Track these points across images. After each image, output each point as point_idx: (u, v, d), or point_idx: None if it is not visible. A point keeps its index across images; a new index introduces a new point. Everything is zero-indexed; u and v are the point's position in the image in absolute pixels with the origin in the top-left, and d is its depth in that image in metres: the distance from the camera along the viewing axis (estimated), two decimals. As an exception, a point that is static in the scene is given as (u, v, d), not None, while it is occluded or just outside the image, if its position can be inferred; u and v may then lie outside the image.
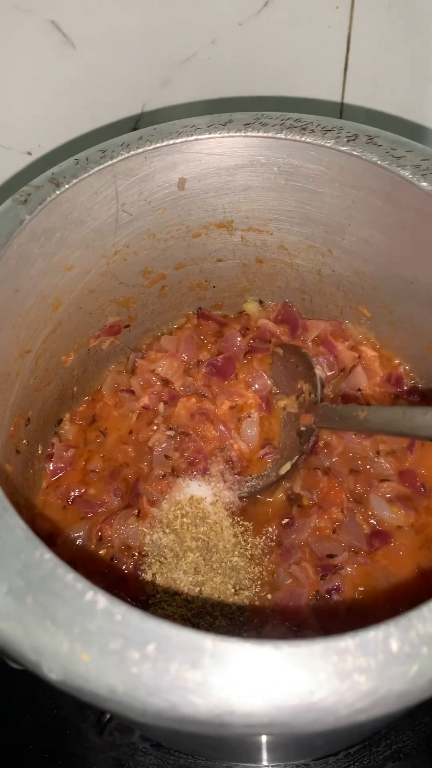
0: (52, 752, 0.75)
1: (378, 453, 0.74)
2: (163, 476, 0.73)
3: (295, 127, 0.61)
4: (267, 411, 0.80)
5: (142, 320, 0.81)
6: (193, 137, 0.62)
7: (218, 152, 0.65)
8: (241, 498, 0.73)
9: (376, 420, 0.59)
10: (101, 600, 0.39)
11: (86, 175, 0.60)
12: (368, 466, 0.73)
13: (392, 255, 0.68)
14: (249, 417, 0.79)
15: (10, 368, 0.63)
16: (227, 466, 0.75)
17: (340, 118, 0.88)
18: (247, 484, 0.75)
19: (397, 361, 0.80)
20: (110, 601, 0.39)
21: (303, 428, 0.73)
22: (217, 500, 0.72)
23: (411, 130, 0.90)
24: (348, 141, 0.60)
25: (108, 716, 0.74)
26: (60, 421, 0.78)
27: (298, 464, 0.73)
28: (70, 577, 0.40)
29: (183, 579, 0.67)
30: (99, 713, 0.75)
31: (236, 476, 0.75)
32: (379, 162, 0.59)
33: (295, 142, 0.61)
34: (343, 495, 0.71)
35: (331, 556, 0.67)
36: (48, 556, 0.41)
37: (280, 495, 0.74)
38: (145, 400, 0.78)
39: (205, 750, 0.71)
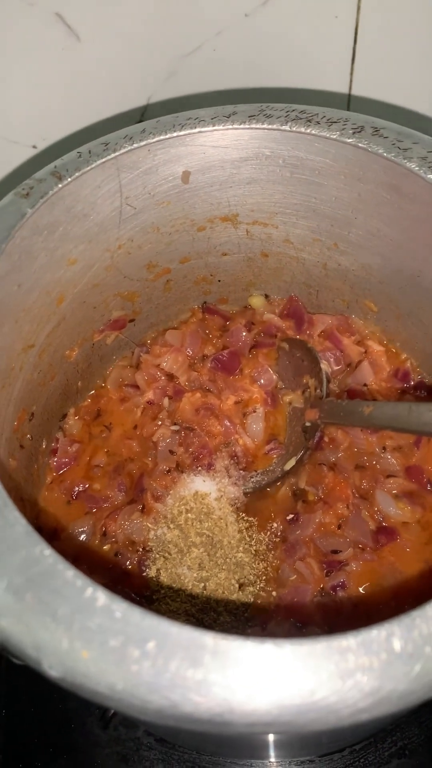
0: (57, 746, 0.75)
1: (384, 449, 0.73)
2: (168, 471, 0.73)
3: (300, 119, 0.61)
4: (272, 406, 0.79)
5: (146, 315, 0.81)
6: (197, 129, 0.62)
7: (223, 145, 0.64)
8: (245, 493, 0.73)
9: (382, 416, 0.58)
10: (101, 597, 0.39)
11: (89, 168, 0.59)
12: (374, 462, 0.73)
13: (399, 248, 0.67)
14: (254, 412, 0.78)
15: (13, 363, 0.63)
16: (232, 461, 0.75)
17: (348, 109, 0.88)
18: (252, 479, 0.74)
19: (404, 356, 0.79)
20: (110, 598, 0.38)
21: (308, 424, 0.73)
22: (221, 496, 0.72)
23: (420, 121, 0.89)
24: (353, 133, 0.59)
25: (112, 711, 0.74)
26: (64, 416, 0.78)
27: (303, 460, 0.72)
28: (70, 573, 0.40)
29: (187, 574, 0.66)
30: (104, 708, 0.75)
31: (241, 472, 0.74)
32: (384, 154, 0.58)
33: (300, 134, 0.61)
34: (349, 491, 0.70)
35: (336, 552, 0.67)
36: (48, 552, 0.40)
37: (285, 490, 0.73)
38: (149, 395, 0.78)
39: (209, 746, 0.71)
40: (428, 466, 0.72)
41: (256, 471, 0.75)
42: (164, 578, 0.67)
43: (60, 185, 0.58)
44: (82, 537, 0.70)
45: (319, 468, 0.73)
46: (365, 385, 0.78)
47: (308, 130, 0.60)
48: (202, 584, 0.66)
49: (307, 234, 0.74)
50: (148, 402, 0.78)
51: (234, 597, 0.66)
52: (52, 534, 0.71)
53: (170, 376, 0.80)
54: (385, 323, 0.78)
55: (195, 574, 0.66)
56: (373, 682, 0.36)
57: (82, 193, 0.62)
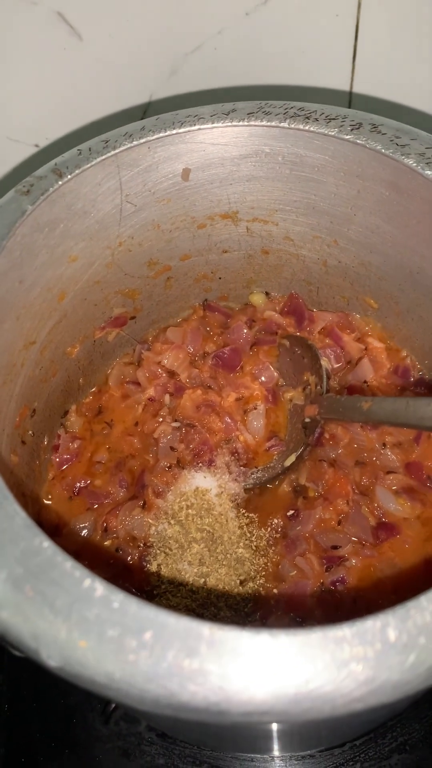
0: (58, 741, 0.76)
1: (384, 445, 0.73)
2: (169, 468, 0.73)
3: (299, 116, 0.61)
4: (273, 403, 0.79)
5: (147, 312, 0.81)
6: (196, 127, 0.62)
7: (222, 142, 0.65)
8: (246, 490, 0.73)
9: (380, 411, 0.58)
10: (99, 587, 0.39)
11: (89, 165, 0.60)
12: (374, 458, 0.73)
13: (398, 245, 0.67)
14: (255, 409, 0.78)
15: (14, 359, 0.63)
16: (233, 457, 0.75)
17: (350, 107, 0.88)
18: (253, 475, 0.74)
19: (404, 353, 0.79)
20: (108, 589, 0.39)
21: (308, 420, 0.73)
22: (222, 492, 0.72)
23: (422, 119, 0.89)
24: (352, 129, 0.60)
25: (113, 705, 0.75)
26: (66, 412, 0.78)
27: (303, 456, 0.73)
28: (68, 564, 0.40)
29: (188, 570, 0.67)
30: (104, 702, 0.75)
31: (242, 468, 0.75)
32: (383, 150, 0.58)
33: (298, 131, 0.61)
34: (349, 487, 0.70)
35: (336, 548, 0.67)
36: (47, 543, 0.41)
37: (286, 487, 0.73)
38: (151, 391, 0.78)
39: (210, 740, 0.71)
40: (428, 463, 0.72)
41: (256, 467, 0.75)
42: (165, 574, 0.67)
43: (60, 182, 0.59)
44: (84, 533, 0.71)
45: (320, 464, 0.73)
46: (365, 382, 0.78)
47: (307, 127, 0.60)
48: (203, 580, 0.66)
49: (307, 231, 0.74)
50: (149, 399, 0.78)
51: (234, 592, 0.66)
52: (54, 530, 0.71)
53: (171, 373, 0.80)
54: (385, 320, 0.79)
55: (195, 570, 0.67)
56: (367, 671, 0.36)
57: (83, 190, 0.62)
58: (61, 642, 0.38)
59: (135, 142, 0.61)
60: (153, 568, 0.67)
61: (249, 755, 0.74)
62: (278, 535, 0.70)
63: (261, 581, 0.67)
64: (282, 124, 0.61)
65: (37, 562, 0.40)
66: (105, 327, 0.78)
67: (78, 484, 0.74)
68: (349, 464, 0.73)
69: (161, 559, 0.68)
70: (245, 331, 0.82)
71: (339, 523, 0.69)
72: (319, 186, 0.68)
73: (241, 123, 0.62)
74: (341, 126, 0.60)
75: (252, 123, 0.62)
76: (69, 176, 0.59)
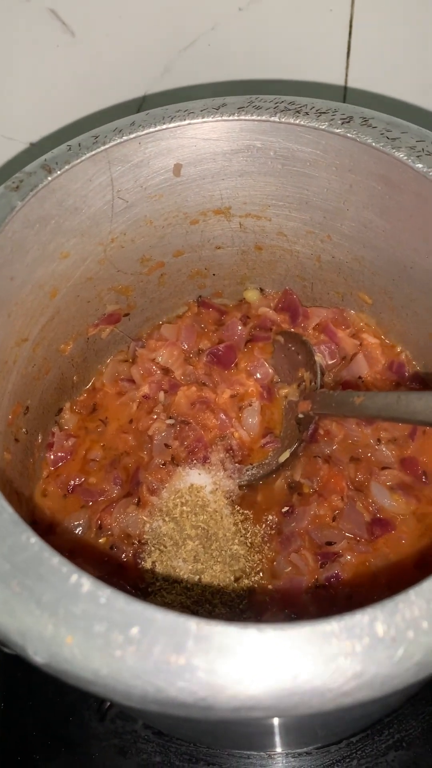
0: (54, 739, 0.76)
1: (379, 441, 0.73)
2: (163, 465, 0.73)
3: (289, 110, 0.61)
4: (268, 400, 0.79)
5: (141, 309, 0.81)
6: (187, 122, 0.62)
7: (213, 137, 0.64)
8: (241, 486, 0.73)
9: (372, 405, 0.58)
10: (86, 583, 0.39)
11: (79, 161, 0.60)
12: (369, 454, 0.73)
13: (391, 239, 0.67)
14: (250, 406, 0.78)
15: (6, 356, 0.63)
16: (227, 454, 0.75)
17: (344, 101, 0.88)
18: (247, 472, 0.74)
19: (398, 348, 0.79)
20: (95, 585, 0.39)
21: (301, 415, 0.73)
22: (217, 489, 0.72)
23: (416, 114, 0.88)
24: (342, 123, 0.59)
25: (108, 703, 0.74)
26: (60, 410, 0.78)
27: (298, 452, 0.72)
28: (55, 560, 0.40)
29: (182, 567, 0.67)
30: (100, 700, 0.75)
31: (236, 465, 0.74)
32: (373, 144, 0.58)
33: (289, 125, 0.61)
34: (344, 483, 0.70)
35: (330, 544, 0.67)
36: (34, 539, 0.41)
37: (281, 483, 0.73)
38: (145, 389, 0.78)
39: (206, 738, 0.71)
40: (423, 458, 0.72)
41: (251, 464, 0.75)
42: (160, 571, 0.67)
43: (50, 178, 0.59)
44: (78, 530, 0.71)
45: (314, 460, 0.72)
46: (360, 377, 0.78)
47: (297, 121, 0.60)
48: (198, 576, 0.66)
49: (300, 226, 0.73)
50: (143, 396, 0.78)
51: (229, 589, 0.66)
52: (48, 528, 0.71)
53: (166, 370, 0.80)
54: (379, 315, 0.78)
55: (190, 567, 0.67)
56: (356, 666, 0.36)
57: (73, 186, 0.62)
58: (48, 638, 0.38)
59: (125, 138, 0.61)
60: (148, 565, 0.67)
61: (245, 752, 0.74)
62: (273, 532, 0.70)
63: (256, 578, 0.67)
64: (272, 119, 0.61)
65: (24, 558, 0.40)
66: (98, 324, 0.78)
67: (72, 482, 0.74)
68: (344, 460, 0.72)
69: (156, 556, 0.67)
70: (240, 327, 0.81)
71: (334, 519, 0.69)
72: (312, 181, 0.67)
73: (231, 117, 0.62)
74: (332, 120, 0.60)
75: (242, 117, 0.62)
76: (59, 172, 0.59)
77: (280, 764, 0.73)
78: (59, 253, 0.65)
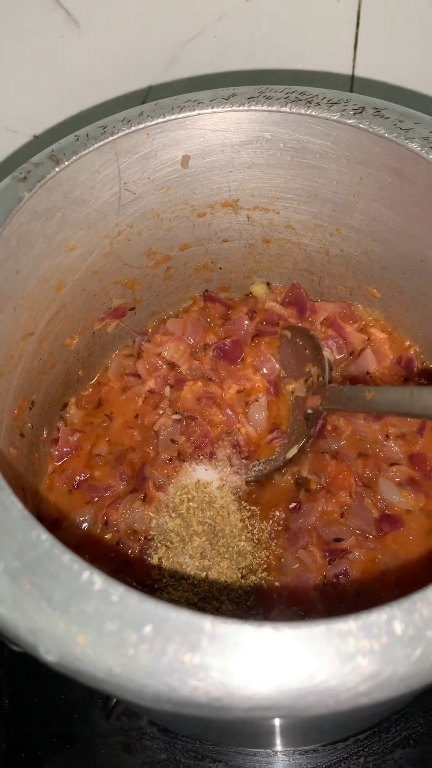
0: (59, 736, 0.75)
1: (387, 436, 0.72)
2: (170, 460, 0.73)
3: (300, 100, 0.60)
4: (275, 395, 0.78)
5: (147, 303, 0.80)
6: (196, 112, 0.61)
7: (222, 128, 0.63)
8: (247, 482, 0.72)
9: (384, 401, 0.57)
10: (98, 580, 0.38)
11: (86, 151, 0.59)
12: (377, 450, 0.72)
13: (401, 233, 0.66)
14: (256, 401, 0.77)
15: (12, 351, 0.62)
16: (234, 450, 0.74)
17: (351, 91, 0.87)
18: (254, 468, 0.74)
19: (407, 343, 0.78)
20: (107, 582, 0.38)
21: (310, 411, 0.72)
22: (223, 484, 0.71)
23: (424, 102, 0.87)
24: (354, 114, 0.58)
25: (115, 700, 0.74)
26: (65, 405, 0.78)
27: (305, 448, 0.72)
28: (66, 557, 0.39)
29: (189, 563, 0.66)
30: (106, 697, 0.75)
31: (243, 461, 0.74)
32: (386, 135, 0.57)
33: (300, 115, 0.60)
34: (352, 479, 0.69)
35: (338, 540, 0.66)
36: (45, 536, 0.40)
37: (288, 479, 0.73)
38: (151, 383, 0.78)
39: (212, 735, 0.71)
40: (432, 454, 0.72)
41: (258, 460, 0.75)
42: (166, 567, 0.66)
43: (57, 169, 0.58)
44: (84, 526, 0.70)
45: (322, 456, 0.72)
46: (368, 373, 0.77)
47: (308, 112, 0.59)
48: (204, 573, 0.65)
49: (309, 219, 0.73)
50: (149, 391, 0.77)
51: (236, 586, 0.66)
52: (54, 523, 0.70)
53: (172, 365, 0.79)
54: (388, 310, 0.77)
55: (197, 563, 0.66)
56: (373, 665, 0.35)
57: (81, 177, 0.61)
58: (59, 636, 0.37)
59: (133, 128, 0.60)
60: (154, 561, 0.67)
61: (251, 750, 0.73)
62: (280, 528, 0.69)
63: (263, 574, 0.67)
64: (283, 109, 0.60)
65: (35, 555, 0.39)
66: (104, 318, 0.77)
67: (78, 477, 0.73)
68: (352, 456, 0.72)
69: (162, 552, 0.67)
70: (246, 322, 0.81)
71: (342, 515, 0.68)
72: (321, 173, 0.67)
73: (241, 108, 0.61)
74: (344, 110, 0.59)
75: (252, 108, 0.61)
76: (66, 163, 0.58)
77: (287, 761, 0.73)
78: (65, 245, 0.65)
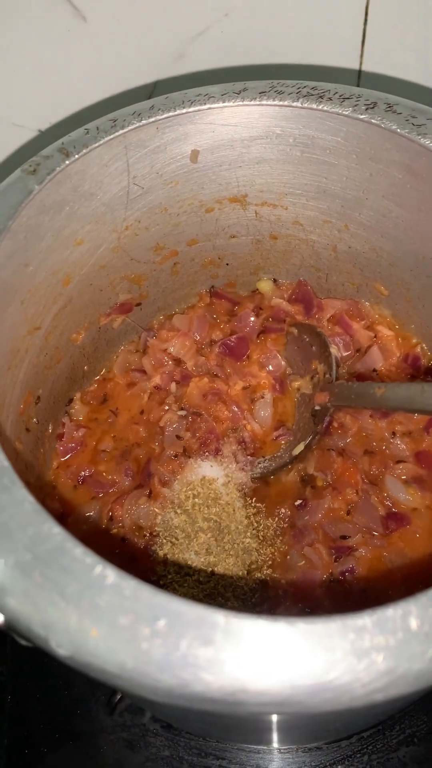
0: (62, 732, 0.75)
1: (394, 434, 0.72)
2: (175, 456, 0.72)
3: (312, 95, 0.59)
4: (281, 392, 0.78)
5: (153, 298, 0.80)
6: (206, 106, 0.60)
7: (232, 123, 0.63)
8: (253, 479, 0.72)
9: (395, 397, 0.57)
10: (111, 574, 0.38)
11: (96, 144, 0.58)
12: (384, 447, 0.72)
13: (411, 230, 0.66)
14: (262, 398, 0.77)
15: (19, 345, 0.62)
16: (240, 446, 0.74)
17: (358, 86, 0.86)
18: (260, 465, 0.73)
19: (414, 340, 0.78)
20: (120, 576, 0.38)
21: (317, 408, 0.72)
22: (229, 481, 0.71)
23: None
24: (366, 109, 0.58)
25: (118, 697, 0.74)
26: (71, 400, 0.77)
27: (312, 445, 0.71)
28: (78, 551, 0.39)
29: (194, 560, 0.66)
30: (109, 694, 0.74)
31: (249, 457, 0.74)
32: (398, 130, 0.57)
33: (311, 110, 0.59)
34: (358, 476, 0.69)
35: (345, 538, 0.66)
36: (56, 529, 0.40)
37: (294, 476, 0.72)
38: (156, 379, 0.77)
39: (216, 731, 0.71)
40: (438, 452, 0.71)
41: (264, 457, 0.74)
42: (171, 563, 0.66)
43: (67, 162, 0.57)
44: (89, 522, 0.70)
45: (328, 453, 0.72)
46: (375, 370, 0.77)
47: (320, 107, 0.59)
48: (210, 569, 0.65)
49: (317, 215, 0.72)
50: (155, 387, 0.77)
51: (242, 582, 0.66)
52: (59, 519, 0.70)
53: (177, 361, 0.79)
54: (395, 307, 0.77)
55: (202, 560, 0.66)
56: (388, 661, 0.35)
57: (90, 171, 0.61)
58: (72, 630, 0.37)
59: (144, 122, 0.60)
60: (159, 557, 0.66)
61: (255, 747, 0.73)
62: (286, 525, 0.69)
63: (268, 571, 0.66)
64: (294, 104, 0.60)
65: (47, 548, 0.39)
66: (110, 313, 0.76)
67: (83, 473, 0.73)
68: (358, 453, 0.72)
69: (168, 548, 0.67)
70: (252, 318, 0.80)
71: (348, 512, 0.68)
72: (331, 169, 0.66)
73: (252, 102, 0.61)
74: (355, 105, 0.59)
75: (264, 102, 0.61)
76: (76, 156, 0.58)
77: (290, 759, 0.73)
78: (73, 239, 0.64)
